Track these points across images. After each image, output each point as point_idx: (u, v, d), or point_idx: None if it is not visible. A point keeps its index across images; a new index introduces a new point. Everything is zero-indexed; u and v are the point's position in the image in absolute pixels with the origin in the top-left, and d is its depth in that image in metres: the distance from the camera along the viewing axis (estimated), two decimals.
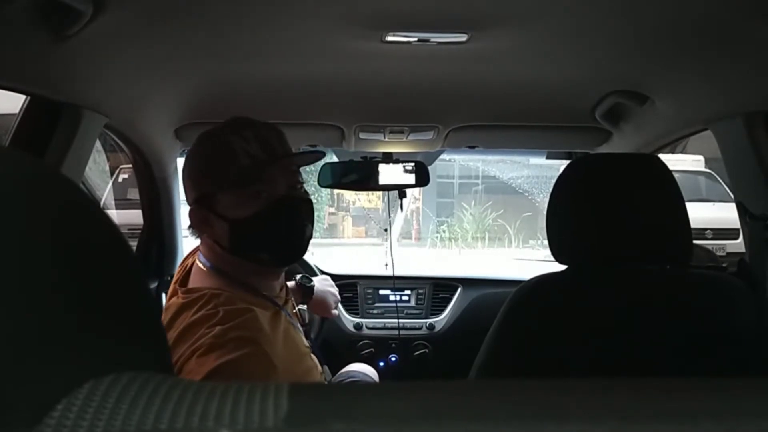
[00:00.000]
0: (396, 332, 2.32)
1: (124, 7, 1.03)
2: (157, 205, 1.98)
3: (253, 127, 1.07)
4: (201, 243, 1.13)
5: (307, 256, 2.42)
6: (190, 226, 1.11)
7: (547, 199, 1.19)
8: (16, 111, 1.26)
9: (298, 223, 1.08)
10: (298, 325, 1.19)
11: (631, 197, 1.12)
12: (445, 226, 9.73)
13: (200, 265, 1.11)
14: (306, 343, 1.18)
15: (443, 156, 2.40)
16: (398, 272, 2.32)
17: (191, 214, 1.08)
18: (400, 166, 2.02)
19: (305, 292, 1.53)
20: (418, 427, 0.23)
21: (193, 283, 1.09)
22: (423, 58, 1.37)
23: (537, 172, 8.39)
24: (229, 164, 1.03)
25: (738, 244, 4.14)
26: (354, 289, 2.42)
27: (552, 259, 1.19)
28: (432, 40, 1.22)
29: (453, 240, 9.39)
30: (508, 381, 0.27)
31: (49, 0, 0.92)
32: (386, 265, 2.37)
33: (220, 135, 1.07)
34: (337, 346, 2.30)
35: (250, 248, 1.07)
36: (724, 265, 1.81)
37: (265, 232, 1.05)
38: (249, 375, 0.89)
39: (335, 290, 1.66)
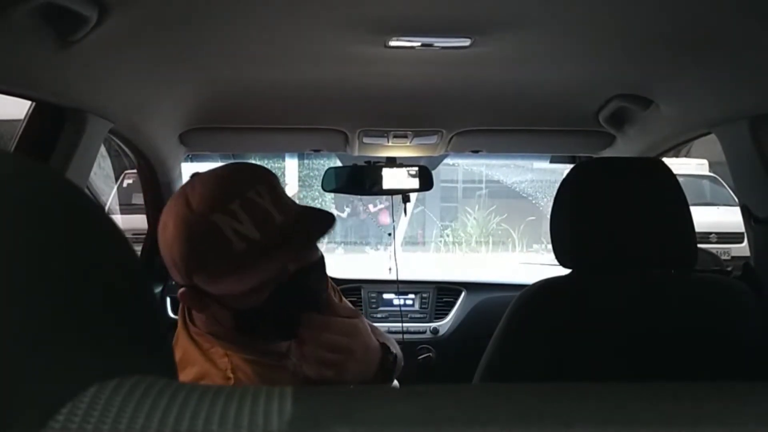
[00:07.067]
0: (400, 336, 2.31)
1: (129, 12, 1.04)
2: (161, 210, 1.98)
3: (239, 195, 0.86)
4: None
5: None
6: (180, 304, 0.97)
7: (550, 203, 1.19)
8: (22, 116, 1.27)
9: (310, 299, 0.94)
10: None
11: (635, 201, 1.12)
12: (448, 231, 9.71)
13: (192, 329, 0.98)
14: None
15: (447, 160, 2.40)
16: (402, 276, 2.32)
17: (183, 296, 0.92)
18: (404, 170, 2.02)
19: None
20: None
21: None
22: (426, 62, 1.37)
23: (541, 176, 8.39)
24: (221, 255, 0.85)
25: (743, 248, 4.12)
26: (358, 293, 2.42)
27: (556, 263, 1.19)
28: (435, 44, 1.22)
29: (457, 244, 9.37)
30: (513, 385, 0.27)
31: (54, 6, 0.92)
32: (390, 269, 2.37)
33: (201, 216, 0.86)
34: None
35: (259, 330, 0.94)
36: (729, 269, 1.81)
37: (276, 316, 0.92)
38: None
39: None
